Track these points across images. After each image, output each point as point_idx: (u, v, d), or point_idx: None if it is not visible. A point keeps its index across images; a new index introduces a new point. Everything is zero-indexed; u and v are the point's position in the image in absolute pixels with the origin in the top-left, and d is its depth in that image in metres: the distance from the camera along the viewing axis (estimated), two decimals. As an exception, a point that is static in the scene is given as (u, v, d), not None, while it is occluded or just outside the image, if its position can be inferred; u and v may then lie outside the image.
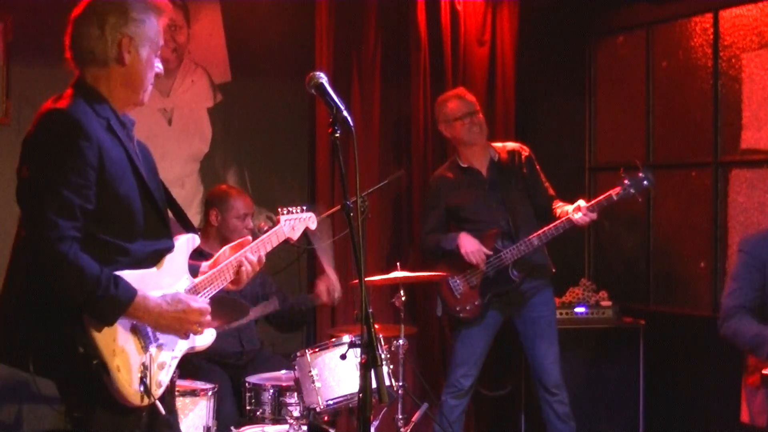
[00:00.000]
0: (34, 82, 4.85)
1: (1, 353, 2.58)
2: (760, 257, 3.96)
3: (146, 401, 2.56)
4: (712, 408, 5.05)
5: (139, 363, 2.55)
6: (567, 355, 5.14)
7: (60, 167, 2.44)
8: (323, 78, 2.72)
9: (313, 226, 3.33)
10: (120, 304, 2.47)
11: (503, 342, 5.17)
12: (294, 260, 4.83)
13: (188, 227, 2.89)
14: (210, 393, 4.08)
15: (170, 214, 2.85)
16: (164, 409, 2.64)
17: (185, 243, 2.80)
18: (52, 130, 2.50)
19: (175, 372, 2.77)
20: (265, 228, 3.98)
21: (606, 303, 5.43)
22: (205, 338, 2.82)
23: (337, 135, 2.62)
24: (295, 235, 3.23)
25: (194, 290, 2.79)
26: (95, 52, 2.61)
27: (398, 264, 4.55)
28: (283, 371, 4.53)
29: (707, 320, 5.21)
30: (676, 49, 5.49)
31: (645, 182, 4.62)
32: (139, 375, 2.54)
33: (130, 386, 2.51)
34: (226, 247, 3.01)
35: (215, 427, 4.12)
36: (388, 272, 4.52)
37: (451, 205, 4.90)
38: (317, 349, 4.12)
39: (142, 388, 2.53)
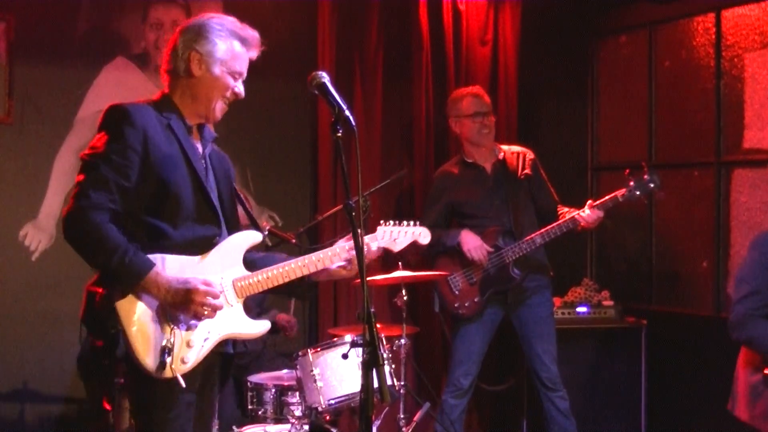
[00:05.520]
0: (37, 81, 4.85)
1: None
2: None
3: (166, 374, 2.72)
4: (714, 407, 5.03)
5: (163, 338, 2.75)
6: (569, 355, 5.14)
7: (105, 148, 2.76)
8: (325, 78, 2.74)
9: (425, 240, 3.30)
10: (134, 273, 2.70)
11: (506, 338, 5.16)
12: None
13: (256, 229, 3.08)
14: (212, 392, 4.08)
15: (242, 216, 3.13)
16: (185, 384, 2.75)
17: (243, 237, 2.98)
18: (105, 119, 2.84)
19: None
20: (268, 227, 4.00)
21: (608, 303, 5.43)
22: (255, 327, 2.96)
23: (340, 134, 2.65)
24: (397, 247, 3.25)
25: (242, 287, 2.93)
26: (172, 64, 2.95)
27: (400, 263, 4.55)
28: (285, 371, 4.53)
29: (710, 320, 5.21)
30: (678, 48, 5.49)
31: (651, 185, 4.58)
32: (161, 347, 2.73)
33: (146, 354, 2.72)
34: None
35: (217, 427, 4.12)
36: (389, 272, 4.52)
37: (454, 200, 4.90)
38: (319, 349, 4.13)
39: (160, 359, 2.71)
